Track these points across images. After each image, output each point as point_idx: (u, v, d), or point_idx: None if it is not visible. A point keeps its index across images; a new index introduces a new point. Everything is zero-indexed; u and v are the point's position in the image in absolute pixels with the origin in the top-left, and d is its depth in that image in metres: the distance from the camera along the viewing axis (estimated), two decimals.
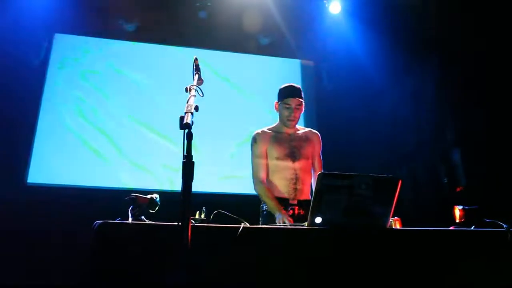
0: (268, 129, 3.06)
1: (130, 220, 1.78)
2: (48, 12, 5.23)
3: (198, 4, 5.52)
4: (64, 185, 4.92)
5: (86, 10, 5.34)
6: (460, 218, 2.37)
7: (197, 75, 2.05)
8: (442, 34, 4.52)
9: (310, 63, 5.87)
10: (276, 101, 3.06)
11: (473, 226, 2.29)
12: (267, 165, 2.96)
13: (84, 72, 5.37)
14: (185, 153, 1.48)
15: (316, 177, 2.01)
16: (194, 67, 2.10)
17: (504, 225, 2.21)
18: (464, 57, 4.44)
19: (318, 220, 2.02)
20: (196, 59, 2.13)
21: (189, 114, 1.52)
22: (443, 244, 2.13)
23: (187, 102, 1.64)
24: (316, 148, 3.10)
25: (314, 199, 2.00)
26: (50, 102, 5.17)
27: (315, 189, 1.99)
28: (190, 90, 1.82)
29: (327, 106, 5.45)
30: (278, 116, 3.08)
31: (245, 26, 5.52)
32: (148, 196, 1.98)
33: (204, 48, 5.64)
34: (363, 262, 1.97)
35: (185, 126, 1.47)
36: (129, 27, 5.53)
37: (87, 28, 5.45)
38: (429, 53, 4.63)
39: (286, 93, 2.99)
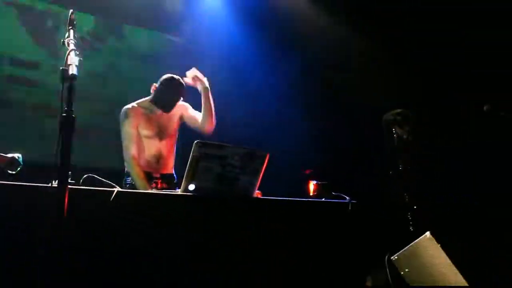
0: (139, 105, 3.00)
1: None
2: None
3: None
4: None
5: None
6: (314, 191, 2.71)
7: (72, 30, 1.91)
8: (305, 32, 5.00)
9: (182, 40, 5.81)
10: (155, 85, 3.00)
11: (323, 199, 2.65)
12: (138, 141, 2.93)
13: None
14: (65, 107, 1.40)
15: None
16: (69, 22, 1.96)
17: (347, 198, 2.61)
18: (321, 56, 5.05)
19: (192, 187, 2.10)
20: (72, 13, 1.99)
21: (74, 66, 1.44)
22: (297, 212, 2.44)
23: (68, 55, 1.54)
24: (184, 114, 3.11)
25: (189, 166, 2.06)
26: None
27: (191, 156, 2.05)
28: (68, 44, 1.71)
29: None
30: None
31: None
32: (9, 155, 1.80)
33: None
34: (229, 227, 2.13)
35: (70, 78, 1.39)
36: None
37: None
38: (293, 47, 5.07)
39: (170, 101, 2.96)
